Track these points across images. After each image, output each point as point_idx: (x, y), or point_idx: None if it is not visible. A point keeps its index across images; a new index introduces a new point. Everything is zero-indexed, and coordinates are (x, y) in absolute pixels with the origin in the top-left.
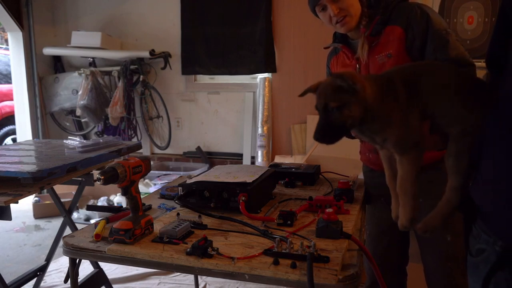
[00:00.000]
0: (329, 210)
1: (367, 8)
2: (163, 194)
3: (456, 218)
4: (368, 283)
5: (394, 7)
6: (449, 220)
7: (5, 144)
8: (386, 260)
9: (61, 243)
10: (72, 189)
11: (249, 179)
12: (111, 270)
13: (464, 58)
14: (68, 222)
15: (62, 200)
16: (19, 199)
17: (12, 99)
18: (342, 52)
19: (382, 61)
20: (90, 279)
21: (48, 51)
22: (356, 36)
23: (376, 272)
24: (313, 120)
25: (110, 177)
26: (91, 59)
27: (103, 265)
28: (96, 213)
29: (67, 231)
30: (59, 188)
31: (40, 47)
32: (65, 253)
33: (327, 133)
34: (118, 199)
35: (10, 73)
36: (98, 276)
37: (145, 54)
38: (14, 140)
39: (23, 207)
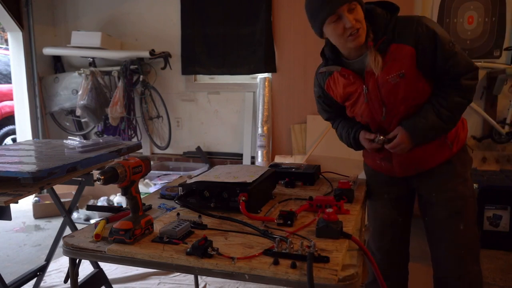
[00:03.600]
0: (329, 210)
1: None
2: (163, 194)
3: (468, 208)
4: (370, 279)
5: (395, 25)
6: (461, 210)
7: (5, 144)
8: (391, 255)
9: (61, 243)
10: (72, 189)
11: (249, 179)
12: (111, 270)
13: (470, 65)
14: (68, 222)
15: (62, 200)
16: (19, 199)
17: (12, 99)
18: (340, 74)
19: (395, 81)
20: (90, 279)
21: (48, 51)
22: (354, 54)
23: (376, 271)
24: (313, 120)
25: (110, 177)
26: (91, 59)
27: (103, 265)
28: (96, 213)
29: (67, 231)
30: (59, 188)
31: (40, 47)
32: (65, 253)
33: None
34: (118, 199)
35: (10, 73)
36: (98, 276)
37: (145, 54)
38: (14, 140)
39: (23, 207)
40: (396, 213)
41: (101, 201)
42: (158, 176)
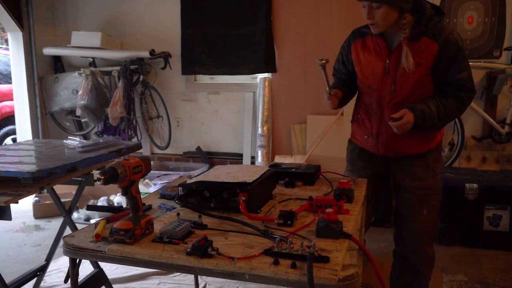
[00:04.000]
0: (329, 210)
1: (411, 15)
2: (163, 194)
3: (433, 198)
4: None
5: (434, 24)
6: (427, 197)
7: (5, 144)
8: None
9: (61, 243)
10: (72, 189)
11: (249, 179)
12: (111, 270)
13: (473, 87)
14: (68, 222)
15: (62, 200)
16: (19, 199)
17: (12, 99)
18: (375, 41)
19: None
20: (90, 279)
21: (48, 51)
22: (391, 30)
23: (376, 271)
24: (313, 120)
25: (110, 177)
26: (91, 59)
27: (103, 265)
28: (96, 213)
29: (67, 231)
30: (59, 188)
31: (40, 47)
32: (65, 253)
33: None
34: (118, 199)
35: (10, 73)
36: (98, 276)
37: (145, 54)
38: (14, 140)
39: (23, 207)
40: (372, 191)
41: (101, 201)
42: (158, 176)
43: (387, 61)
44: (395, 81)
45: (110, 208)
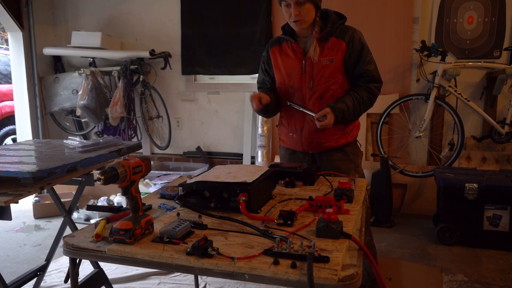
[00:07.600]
0: (329, 210)
1: (320, 18)
2: (163, 194)
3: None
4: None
5: (339, 25)
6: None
7: (5, 144)
8: None
9: (61, 243)
10: (72, 189)
11: (249, 179)
12: (111, 270)
13: (380, 78)
14: (68, 222)
15: (62, 200)
16: (19, 199)
17: (12, 99)
18: (290, 46)
19: (326, 64)
20: (90, 279)
21: (48, 51)
22: (303, 35)
23: (376, 271)
24: None
25: (110, 177)
26: (91, 59)
27: (103, 265)
28: (96, 213)
29: (67, 231)
30: (59, 188)
31: (40, 47)
32: (65, 253)
33: None
34: (118, 199)
35: (10, 73)
36: (98, 276)
37: (145, 54)
38: (14, 140)
39: (23, 207)
40: None
41: (101, 201)
42: (158, 176)
43: (303, 62)
44: (312, 77)
45: (110, 208)
